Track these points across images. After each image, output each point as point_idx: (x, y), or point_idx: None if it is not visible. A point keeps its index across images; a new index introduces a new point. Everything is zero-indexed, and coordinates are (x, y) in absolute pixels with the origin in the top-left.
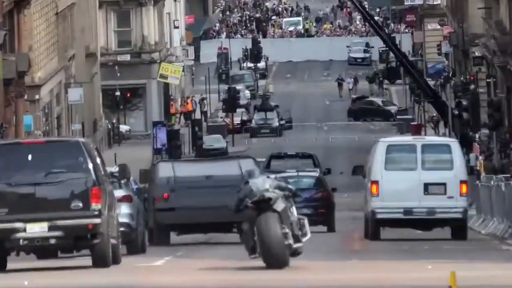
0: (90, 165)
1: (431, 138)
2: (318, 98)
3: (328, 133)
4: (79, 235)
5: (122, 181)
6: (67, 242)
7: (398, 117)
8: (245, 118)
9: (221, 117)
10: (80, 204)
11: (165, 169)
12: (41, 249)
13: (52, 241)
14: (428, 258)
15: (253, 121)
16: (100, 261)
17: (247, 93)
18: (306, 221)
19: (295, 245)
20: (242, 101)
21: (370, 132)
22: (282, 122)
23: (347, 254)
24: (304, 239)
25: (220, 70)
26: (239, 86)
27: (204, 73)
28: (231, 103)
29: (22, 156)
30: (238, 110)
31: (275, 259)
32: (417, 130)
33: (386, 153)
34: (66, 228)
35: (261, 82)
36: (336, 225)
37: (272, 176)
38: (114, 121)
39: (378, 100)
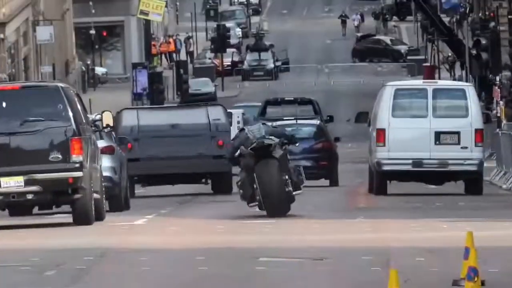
0: (70, 113)
1: (444, 82)
2: (318, 36)
3: (329, 75)
4: (58, 189)
5: (106, 131)
6: (46, 197)
7: (408, 57)
8: (236, 59)
9: (209, 58)
10: (60, 156)
11: (129, 117)
12: (17, 205)
13: (29, 197)
14: (441, 216)
15: (245, 63)
16: (82, 217)
17: (239, 31)
18: (302, 169)
19: (295, 192)
20: (233, 40)
21: (377, 74)
22: (278, 63)
23: (352, 212)
24: (301, 187)
25: (208, 6)
26: (229, 24)
27: (190, 9)
28: (220, 42)
29: None
30: (229, 50)
31: (277, 206)
32: (430, 72)
33: (393, 98)
34: (44, 182)
35: (254, 19)
36: (339, 179)
37: (269, 124)
38: (88, 62)
39: (386, 39)
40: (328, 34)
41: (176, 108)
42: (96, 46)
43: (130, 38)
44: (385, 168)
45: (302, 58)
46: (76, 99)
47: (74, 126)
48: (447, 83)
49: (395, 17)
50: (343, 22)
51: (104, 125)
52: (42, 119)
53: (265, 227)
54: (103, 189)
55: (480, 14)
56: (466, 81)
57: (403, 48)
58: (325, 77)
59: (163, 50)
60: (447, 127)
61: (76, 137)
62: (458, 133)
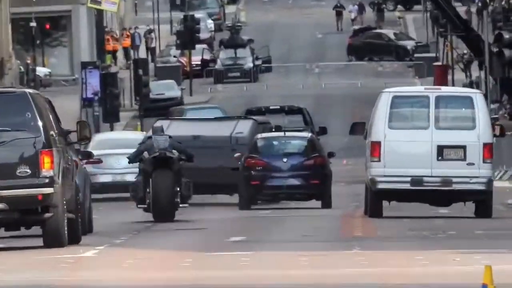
0: (40, 122)
1: (448, 89)
2: (307, 30)
3: (320, 77)
4: (26, 207)
5: (82, 143)
6: (12, 216)
7: (416, 55)
8: (207, 57)
9: (174, 56)
10: (28, 170)
11: None
12: None
13: None
14: (453, 247)
15: (218, 62)
16: (53, 239)
17: (210, 23)
18: (191, 185)
19: (181, 205)
20: (203, 35)
21: (378, 75)
22: (258, 62)
23: (346, 241)
24: (188, 201)
25: None
26: (199, 14)
27: None
28: (188, 36)
29: None
30: (198, 46)
31: (164, 213)
32: (441, 73)
33: (390, 107)
34: (11, 199)
35: (230, 9)
36: (333, 200)
37: (260, 136)
38: (28, 61)
39: (389, 33)
40: (319, 26)
41: (207, 120)
42: (38, 42)
43: (78, 32)
44: (380, 186)
45: (287, 55)
46: (47, 106)
47: (44, 137)
48: (452, 90)
49: (400, 7)
50: (338, 14)
51: (80, 137)
52: (8, 129)
53: (241, 260)
54: (79, 207)
55: (503, 3)
56: (486, 83)
57: (409, 44)
58: (315, 79)
59: (113, 47)
60: (451, 140)
61: (46, 149)
62: (463, 147)
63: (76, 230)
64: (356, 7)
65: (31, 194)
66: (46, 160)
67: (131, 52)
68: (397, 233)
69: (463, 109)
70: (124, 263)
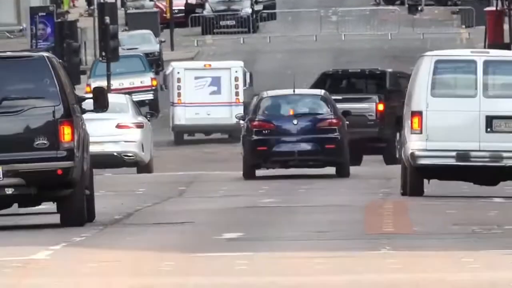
0: (59, 89)
1: (498, 52)
2: None
3: (339, 26)
4: (45, 183)
5: (100, 112)
6: (29, 192)
7: None
8: (192, 0)
9: (150, 0)
10: (46, 142)
11: None
12: None
13: (9, 191)
14: (508, 247)
15: (207, 6)
16: (73, 217)
17: None
18: None
19: None
20: None
21: (414, 24)
22: (258, 7)
23: (374, 238)
24: None
25: None
26: None
27: None
28: None
29: None
30: None
31: None
32: (495, 21)
33: (433, 72)
34: (28, 173)
35: None
36: (356, 187)
37: (266, 94)
38: None
39: None
40: None
41: None
42: None
43: None
44: (422, 161)
45: None
46: (63, 72)
47: (63, 105)
48: (503, 54)
49: None
50: None
51: (97, 106)
52: (24, 96)
53: (237, 263)
54: (93, 182)
55: None
56: None
57: None
58: (332, 29)
59: None
60: (502, 110)
61: (66, 119)
62: None
63: (92, 208)
64: None
65: (50, 168)
66: (66, 131)
67: None
68: (438, 228)
69: None
70: (84, 267)
